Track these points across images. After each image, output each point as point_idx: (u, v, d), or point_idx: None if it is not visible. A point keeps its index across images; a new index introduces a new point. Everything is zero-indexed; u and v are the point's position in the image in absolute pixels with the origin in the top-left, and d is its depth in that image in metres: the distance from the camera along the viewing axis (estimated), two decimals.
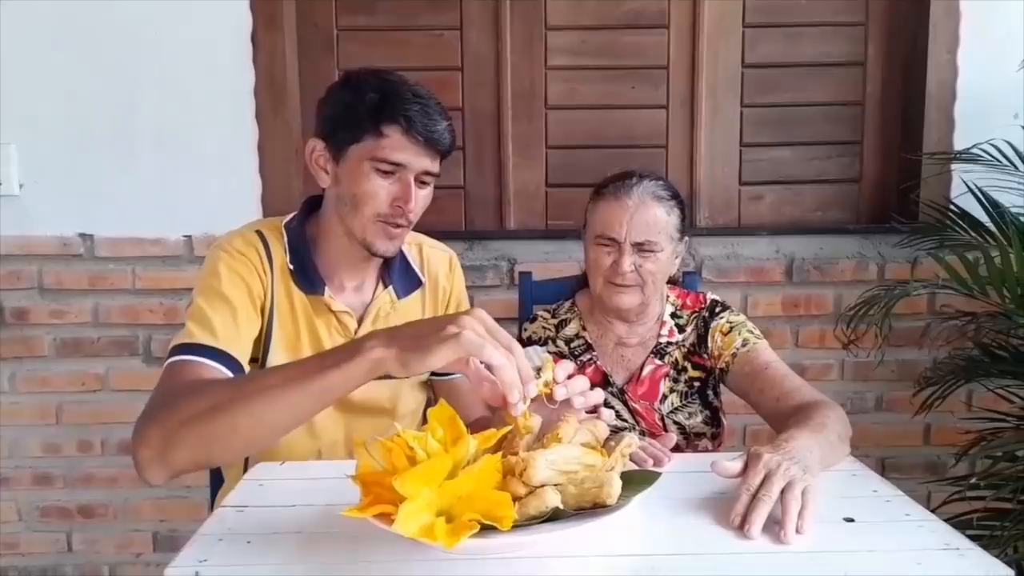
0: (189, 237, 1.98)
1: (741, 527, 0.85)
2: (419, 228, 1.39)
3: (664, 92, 2.06)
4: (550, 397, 0.91)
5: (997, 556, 0.80)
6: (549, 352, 1.39)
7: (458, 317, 0.80)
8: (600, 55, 2.05)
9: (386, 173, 1.13)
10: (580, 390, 0.93)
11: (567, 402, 0.92)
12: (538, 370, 0.90)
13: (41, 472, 2.07)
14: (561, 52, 2.05)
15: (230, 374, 1.02)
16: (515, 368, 0.81)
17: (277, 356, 1.17)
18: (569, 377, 0.92)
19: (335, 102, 1.16)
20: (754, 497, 0.87)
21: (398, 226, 1.16)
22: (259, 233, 1.19)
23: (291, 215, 1.24)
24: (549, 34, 2.04)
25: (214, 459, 0.94)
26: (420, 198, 1.17)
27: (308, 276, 1.19)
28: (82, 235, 1.99)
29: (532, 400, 0.88)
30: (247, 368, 1.09)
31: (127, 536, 2.10)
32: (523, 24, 2.04)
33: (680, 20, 2.04)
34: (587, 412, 0.96)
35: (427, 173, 1.16)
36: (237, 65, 1.94)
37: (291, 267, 1.18)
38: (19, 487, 2.07)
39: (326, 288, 1.19)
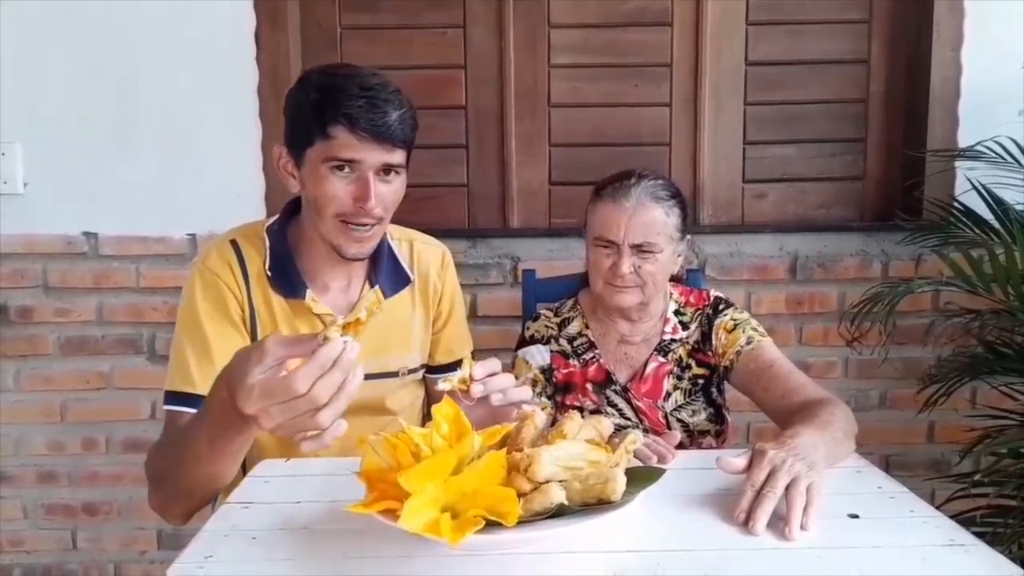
0: (193, 235, 1.99)
1: (746, 523, 0.85)
2: (420, 226, 1.40)
3: (667, 90, 2.06)
4: (466, 393, 0.92)
5: (1001, 553, 0.80)
6: (552, 351, 1.40)
7: (250, 410, 0.77)
8: (603, 53, 2.05)
9: (342, 171, 1.10)
10: (499, 387, 0.94)
11: (486, 400, 0.93)
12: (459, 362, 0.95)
13: (46, 470, 2.08)
14: (564, 50, 2.05)
15: None
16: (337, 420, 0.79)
17: None
18: (495, 376, 0.94)
19: (288, 105, 1.15)
20: (759, 493, 0.87)
21: (362, 225, 1.13)
22: (234, 243, 1.19)
23: (275, 218, 1.23)
24: (552, 32, 2.04)
25: (198, 505, 1.04)
26: (385, 194, 1.13)
27: (289, 280, 1.18)
28: (86, 234, 1.99)
29: (448, 394, 0.89)
30: None
31: (131, 534, 2.11)
32: (526, 22, 2.03)
33: (683, 18, 2.04)
34: (517, 410, 0.96)
35: (388, 166, 1.12)
36: (241, 64, 1.94)
37: (268, 273, 1.17)
38: (24, 485, 2.08)
39: (308, 291, 1.18)
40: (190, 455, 0.93)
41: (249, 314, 1.17)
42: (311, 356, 0.75)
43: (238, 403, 0.77)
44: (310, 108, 1.09)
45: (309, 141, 1.10)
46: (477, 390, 0.91)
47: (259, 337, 1.17)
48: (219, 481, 0.96)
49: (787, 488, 0.87)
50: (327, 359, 0.75)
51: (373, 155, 1.10)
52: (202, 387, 1.10)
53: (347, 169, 1.10)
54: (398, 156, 1.13)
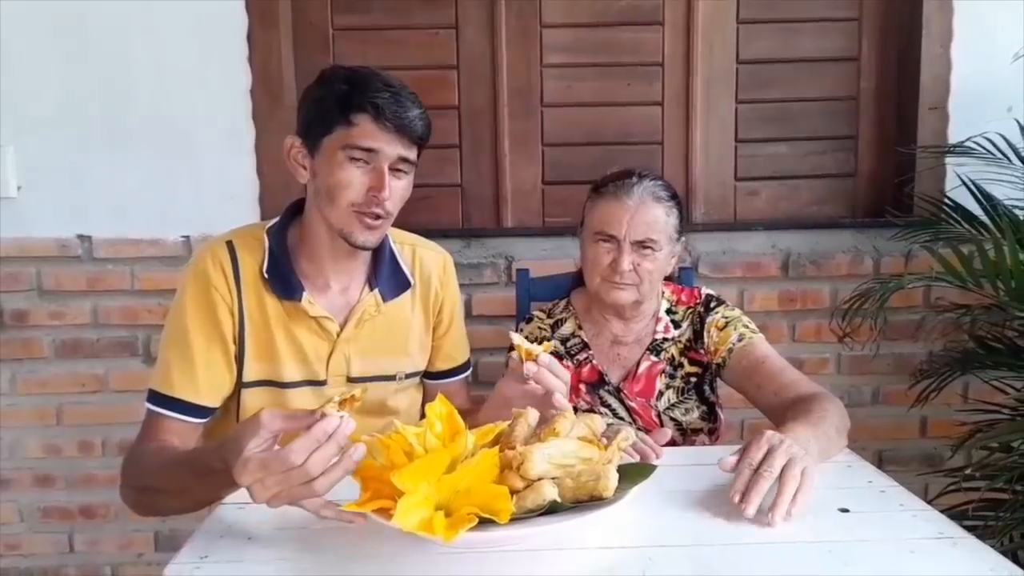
0: (187, 237, 1.99)
1: (740, 503, 0.86)
2: (415, 226, 1.40)
3: (659, 88, 2.07)
4: (533, 360, 0.98)
5: (992, 546, 0.81)
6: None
7: (245, 481, 0.79)
8: (595, 52, 2.05)
9: (359, 161, 1.12)
10: (558, 373, 1.00)
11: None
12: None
13: (42, 473, 2.08)
14: (557, 50, 2.05)
15: (192, 420, 1.16)
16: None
17: (253, 366, 1.19)
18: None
19: (308, 98, 1.17)
20: (755, 472, 0.88)
21: (375, 216, 1.15)
22: (230, 244, 1.19)
23: (276, 220, 1.24)
24: (544, 32, 2.05)
25: (170, 515, 1.17)
26: (396, 188, 1.15)
27: (285, 282, 1.18)
28: (80, 236, 1.99)
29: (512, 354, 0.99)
30: (214, 396, 1.17)
31: (128, 536, 2.11)
32: (519, 22, 2.04)
33: (674, 16, 2.05)
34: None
35: (403, 161, 1.15)
36: (233, 65, 1.94)
37: (266, 275, 1.18)
38: (20, 488, 2.08)
39: (304, 294, 1.18)
40: (176, 488, 1.01)
41: (238, 319, 1.17)
42: (307, 430, 0.79)
43: (234, 474, 0.79)
44: (335, 98, 1.12)
45: (328, 129, 1.12)
46: (544, 360, 0.99)
47: (247, 342, 1.18)
48: (205, 506, 1.02)
49: (783, 469, 0.88)
50: (323, 433, 0.79)
51: (392, 147, 1.12)
52: (180, 392, 1.15)
53: (363, 160, 1.12)
54: (413, 153, 1.16)
